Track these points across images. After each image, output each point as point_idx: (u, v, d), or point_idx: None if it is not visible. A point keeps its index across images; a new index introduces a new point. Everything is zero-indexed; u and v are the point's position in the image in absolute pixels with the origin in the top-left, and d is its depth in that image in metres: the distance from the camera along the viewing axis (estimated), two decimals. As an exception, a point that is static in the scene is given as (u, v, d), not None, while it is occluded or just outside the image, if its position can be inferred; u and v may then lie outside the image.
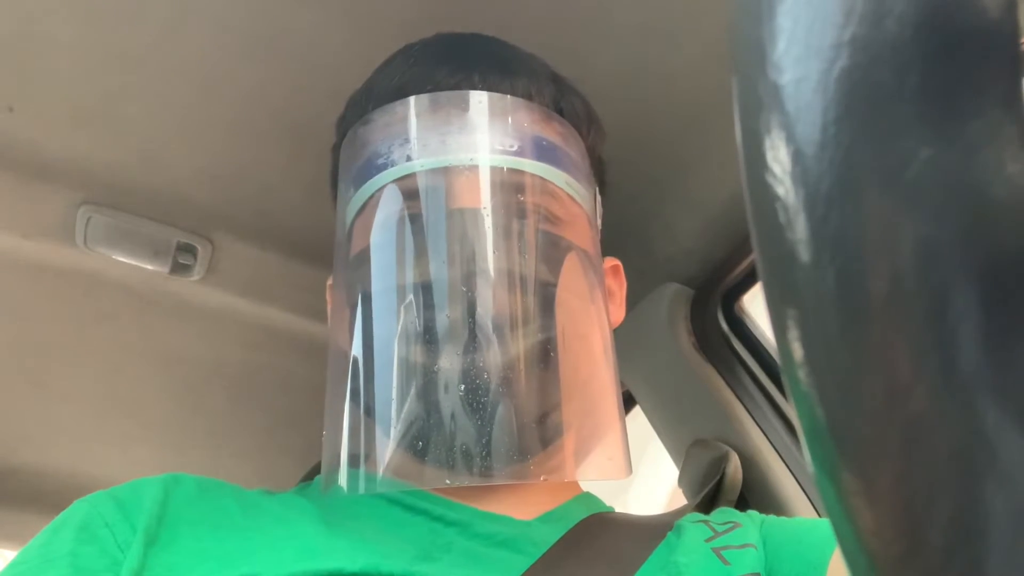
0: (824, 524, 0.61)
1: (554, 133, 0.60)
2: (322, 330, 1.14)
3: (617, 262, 0.72)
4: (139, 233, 0.98)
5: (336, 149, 0.67)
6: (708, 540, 0.59)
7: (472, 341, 0.51)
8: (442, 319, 0.52)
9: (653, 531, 0.60)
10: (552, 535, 0.57)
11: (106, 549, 0.50)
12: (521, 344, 0.53)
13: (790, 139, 0.15)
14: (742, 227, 0.88)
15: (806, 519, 0.69)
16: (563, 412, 0.54)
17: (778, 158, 0.15)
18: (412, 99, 0.58)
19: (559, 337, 0.55)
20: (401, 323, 0.53)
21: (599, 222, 0.67)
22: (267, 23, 0.73)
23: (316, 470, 0.97)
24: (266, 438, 1.37)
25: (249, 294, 1.09)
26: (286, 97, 0.81)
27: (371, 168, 0.58)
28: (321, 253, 1.01)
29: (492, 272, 0.53)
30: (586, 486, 0.69)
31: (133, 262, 1.01)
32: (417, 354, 0.52)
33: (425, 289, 0.53)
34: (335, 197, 0.65)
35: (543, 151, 0.59)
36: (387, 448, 0.51)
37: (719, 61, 0.75)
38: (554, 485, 0.63)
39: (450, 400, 0.50)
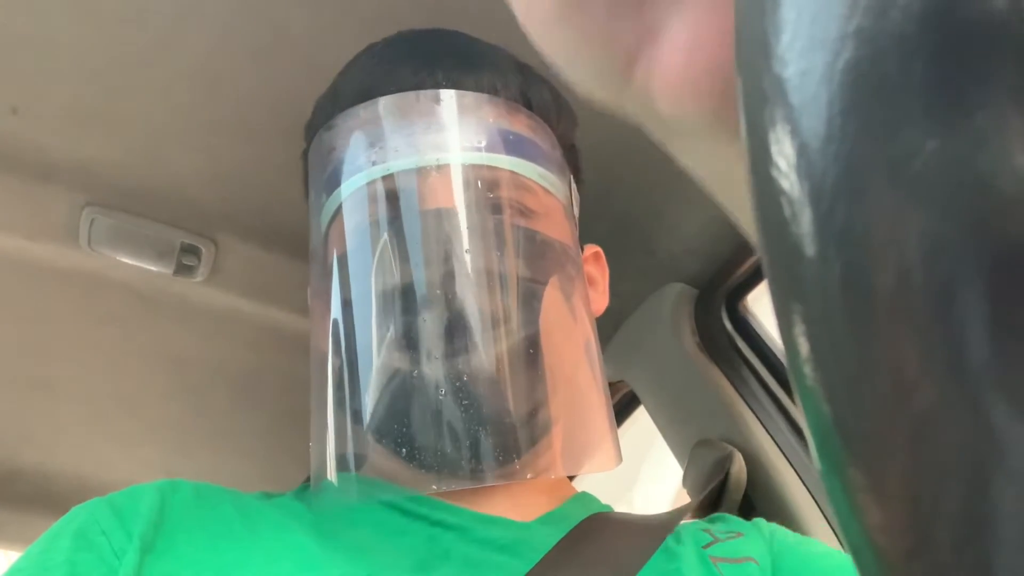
0: (834, 553, 0.61)
1: (522, 126, 0.60)
2: (326, 331, 1.14)
3: (598, 249, 0.71)
4: (143, 234, 0.98)
5: (305, 155, 0.66)
6: (706, 547, 0.58)
7: (451, 343, 0.51)
8: (420, 322, 0.51)
9: (652, 532, 0.60)
10: (551, 537, 0.57)
11: (103, 557, 0.50)
12: (502, 342, 0.53)
13: (795, 132, 0.15)
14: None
15: (818, 545, 0.68)
16: (549, 408, 0.54)
17: (783, 151, 0.15)
18: (377, 101, 0.57)
19: (540, 332, 0.55)
20: (380, 329, 0.53)
21: (576, 211, 0.66)
22: (269, 24, 0.73)
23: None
24: (270, 438, 1.37)
25: (253, 295, 1.09)
26: (289, 98, 0.81)
27: (339, 174, 0.58)
28: (324, 254, 1.01)
29: (468, 271, 0.53)
30: (589, 486, 0.69)
31: (137, 263, 1.01)
32: (397, 359, 0.52)
33: (402, 293, 0.52)
34: (308, 204, 0.65)
35: (512, 145, 0.58)
36: (373, 457, 0.51)
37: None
38: (550, 485, 0.63)
39: (433, 404, 0.50)
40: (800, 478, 0.88)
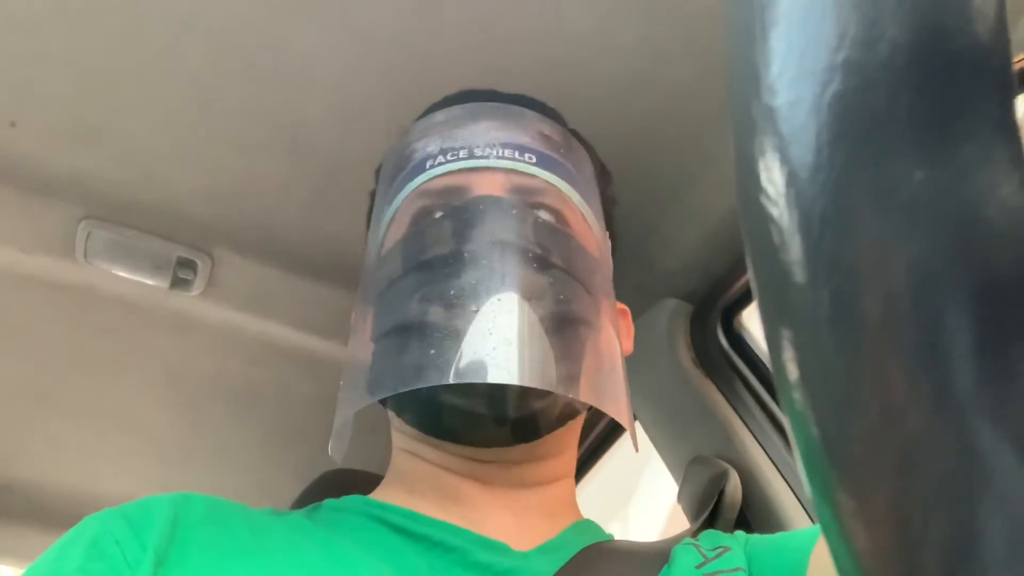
0: (805, 530, 0.62)
1: (570, 154, 0.66)
2: (322, 345, 1.14)
3: (626, 307, 0.75)
4: (139, 248, 0.98)
5: (373, 195, 0.72)
6: (699, 567, 0.59)
7: (501, 268, 0.55)
8: (473, 253, 0.56)
9: (649, 562, 0.60)
10: (549, 567, 0.57)
11: (115, 567, 0.50)
12: (541, 309, 0.56)
13: (784, 161, 0.15)
14: (742, 243, 0.88)
15: (790, 531, 0.69)
16: (582, 348, 0.57)
17: (772, 180, 0.15)
18: (442, 111, 0.65)
19: (577, 308, 0.59)
20: (430, 286, 0.56)
21: (609, 267, 0.70)
22: (266, 40, 0.74)
23: (316, 484, 0.97)
24: (266, 452, 1.37)
25: (249, 309, 1.09)
26: (285, 113, 0.81)
27: (408, 174, 0.64)
28: (321, 267, 1.01)
29: (516, 234, 0.58)
30: (586, 500, 0.69)
31: (133, 277, 1.01)
32: (448, 280, 0.55)
33: (456, 257, 0.56)
34: (368, 232, 0.70)
35: (560, 167, 0.64)
36: (422, 356, 0.53)
37: (718, 77, 0.76)
38: (553, 507, 0.64)
39: (482, 312, 0.53)
40: (795, 496, 0.88)
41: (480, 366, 0.51)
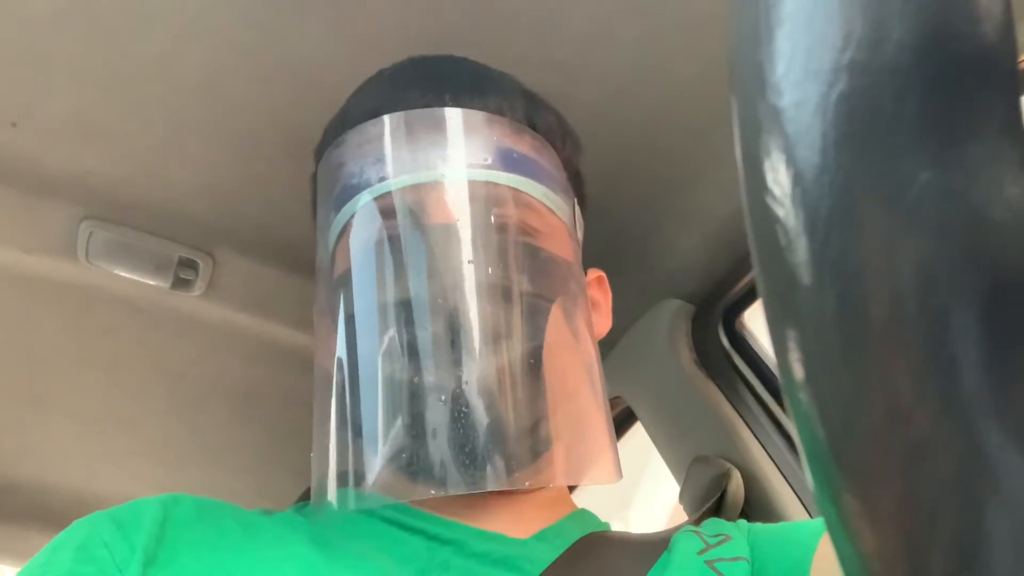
0: (809, 523, 0.62)
1: (527, 146, 0.61)
2: (322, 345, 1.14)
3: (601, 273, 0.72)
4: (140, 248, 0.98)
5: (315, 177, 0.67)
6: (701, 552, 0.59)
7: (454, 354, 0.52)
8: (423, 334, 0.52)
9: (649, 549, 0.60)
10: (547, 553, 0.57)
11: (104, 569, 0.50)
12: (504, 355, 0.53)
13: (790, 162, 0.15)
14: (743, 243, 0.88)
15: (792, 522, 0.69)
16: (550, 421, 0.55)
17: (778, 181, 0.15)
18: (384, 118, 0.58)
19: (542, 347, 0.56)
20: (384, 340, 0.53)
21: (580, 234, 0.67)
22: (270, 40, 0.74)
23: (316, 486, 0.97)
24: (266, 453, 1.37)
25: (250, 309, 1.09)
26: (288, 113, 0.81)
27: (348, 189, 0.59)
28: (322, 268, 1.01)
29: (471, 285, 0.54)
30: (584, 504, 0.69)
31: (134, 277, 1.01)
32: (401, 370, 0.52)
33: (406, 305, 0.53)
34: (315, 223, 0.65)
35: (516, 163, 0.59)
36: (375, 464, 0.52)
37: (720, 76, 0.76)
38: (550, 502, 0.63)
39: (435, 413, 0.51)
40: (798, 496, 0.88)
41: (440, 476, 0.50)
